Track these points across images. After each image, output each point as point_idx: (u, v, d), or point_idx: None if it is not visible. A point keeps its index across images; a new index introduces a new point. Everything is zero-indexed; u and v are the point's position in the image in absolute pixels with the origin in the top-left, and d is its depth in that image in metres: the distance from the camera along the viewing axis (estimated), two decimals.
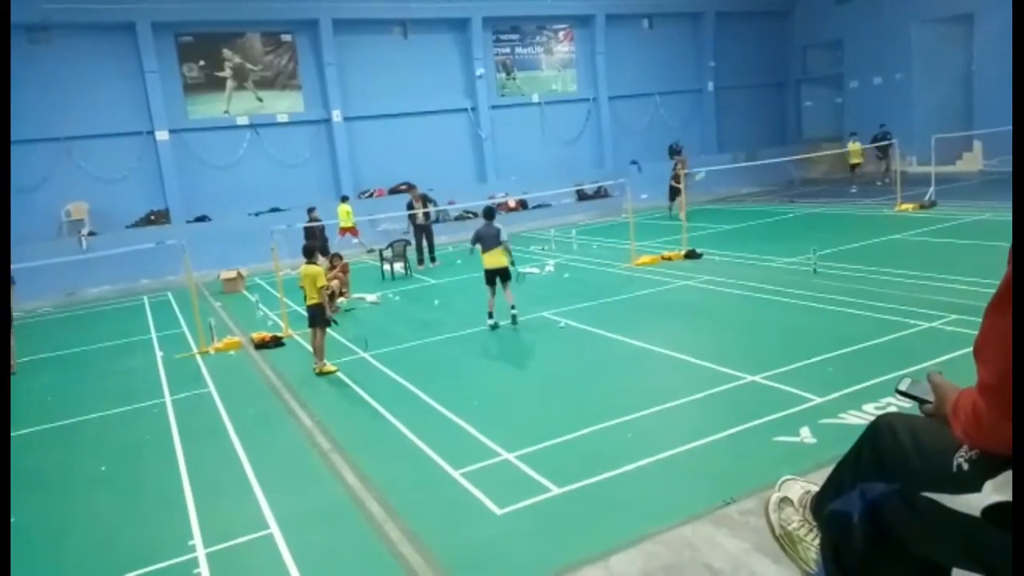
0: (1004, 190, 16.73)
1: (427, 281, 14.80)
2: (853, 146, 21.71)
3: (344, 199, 18.51)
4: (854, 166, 22.16)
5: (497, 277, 9.98)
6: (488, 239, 9.92)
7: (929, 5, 23.58)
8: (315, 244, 10.24)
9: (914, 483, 1.84)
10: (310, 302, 8.89)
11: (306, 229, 15.13)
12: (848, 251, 12.86)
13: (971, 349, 1.55)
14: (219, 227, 19.12)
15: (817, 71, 28.67)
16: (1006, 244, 1.43)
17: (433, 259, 16.40)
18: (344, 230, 17.68)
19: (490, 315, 10.02)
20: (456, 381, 8.20)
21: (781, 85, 29.52)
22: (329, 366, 8.87)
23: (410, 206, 16.73)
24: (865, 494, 2.01)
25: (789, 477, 2.61)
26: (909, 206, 16.70)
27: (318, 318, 8.90)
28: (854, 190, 21.32)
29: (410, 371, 8.55)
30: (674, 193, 20.05)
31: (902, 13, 24.19)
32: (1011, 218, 1.46)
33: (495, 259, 9.93)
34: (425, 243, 16.43)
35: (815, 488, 2.40)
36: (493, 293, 10.05)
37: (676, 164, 20.31)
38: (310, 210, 16.27)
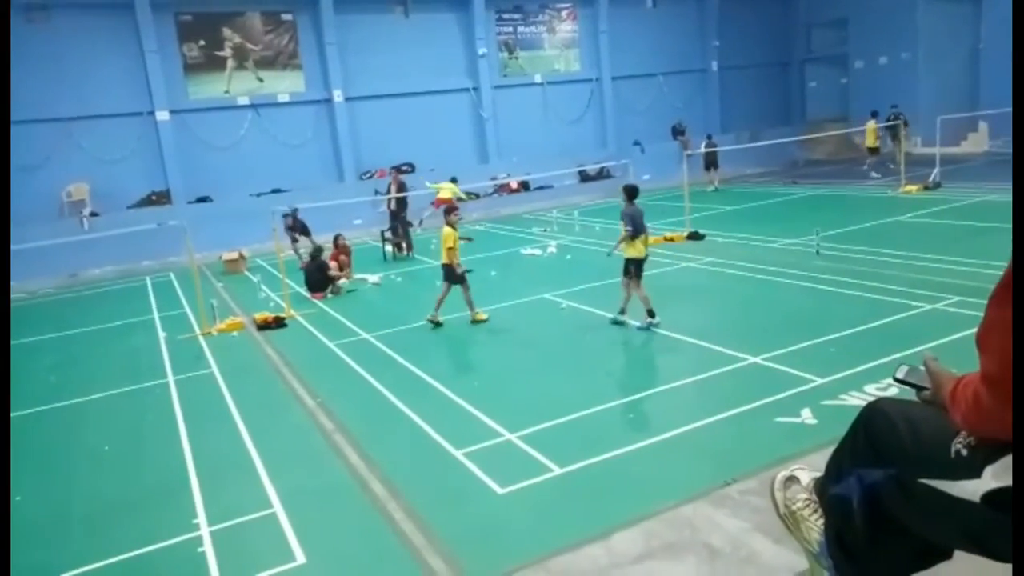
0: (1009, 171, 16.61)
1: (429, 262, 14.78)
2: (870, 126, 19.96)
3: (453, 180, 18.47)
4: (872, 150, 20.05)
5: (640, 267, 8.53)
6: (641, 223, 8.54)
7: None
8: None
9: (911, 468, 1.85)
10: (442, 261, 9.55)
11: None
12: (851, 232, 12.81)
13: (974, 331, 1.55)
14: (221, 208, 19.07)
15: (822, 51, 28.39)
16: (1010, 226, 1.42)
17: (399, 247, 15.76)
18: (441, 201, 18.05)
19: (652, 312, 8.43)
20: (458, 362, 8.22)
21: (785, 65, 29.25)
22: (481, 314, 9.57)
23: (388, 189, 16.54)
24: (862, 479, 2.03)
25: (800, 465, 2.62)
26: (913, 187, 16.61)
27: (448, 275, 9.52)
28: (875, 174, 19.54)
29: (412, 352, 8.57)
30: (708, 165, 20.64)
31: None
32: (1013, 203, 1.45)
33: (644, 247, 8.59)
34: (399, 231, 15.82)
35: (819, 475, 2.41)
36: (628, 286, 8.59)
37: (706, 142, 20.71)
38: (286, 215, 15.25)
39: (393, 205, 16.00)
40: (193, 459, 6.20)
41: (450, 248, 9.37)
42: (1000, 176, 16.64)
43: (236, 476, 5.80)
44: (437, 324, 9.55)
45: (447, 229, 9.51)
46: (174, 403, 7.72)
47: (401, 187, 16.31)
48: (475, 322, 9.53)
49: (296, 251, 15.18)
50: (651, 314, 8.47)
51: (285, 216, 15.16)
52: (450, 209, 9.75)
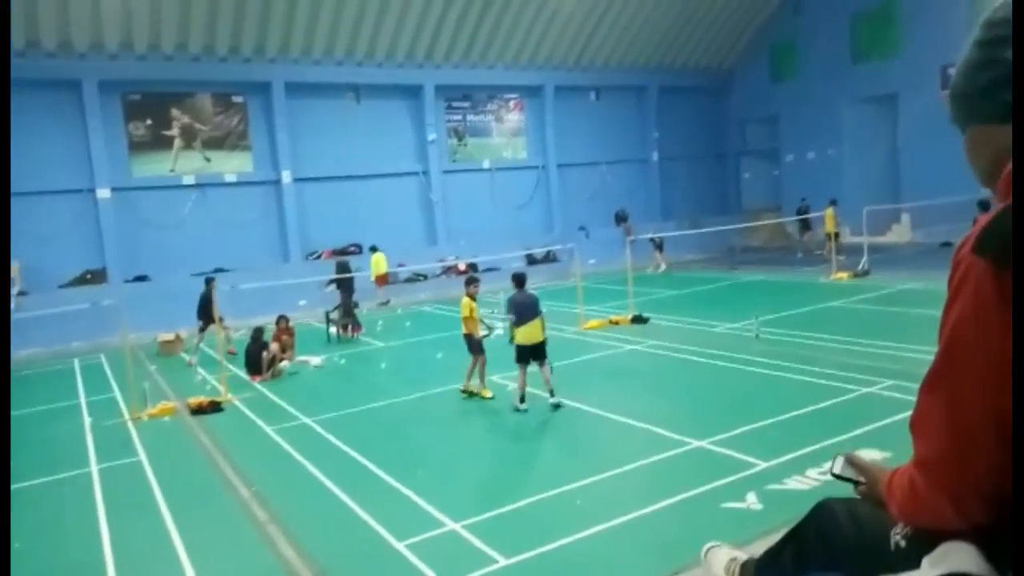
0: (932, 260, 17.58)
1: (374, 344, 14.58)
2: (830, 212, 20.23)
3: (374, 249, 19.60)
4: (832, 235, 19.32)
5: (531, 354, 8.74)
6: (527, 309, 8.73)
7: (857, 85, 25.14)
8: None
9: (857, 568, 1.85)
10: (463, 332, 9.54)
11: (202, 297, 13.87)
12: (788, 317, 13.22)
13: (908, 415, 1.58)
14: (159, 287, 18.57)
15: (755, 144, 30.05)
16: (937, 312, 1.47)
17: (345, 328, 15.47)
18: (380, 279, 18.90)
19: (522, 399, 8.73)
20: (401, 448, 7.99)
21: (721, 156, 30.78)
22: (486, 391, 9.41)
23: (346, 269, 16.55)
24: None
25: (713, 544, 2.58)
26: (844, 274, 17.36)
27: (470, 346, 9.50)
28: (821, 253, 20.56)
29: (354, 437, 8.31)
30: (658, 247, 21.67)
31: (832, 93, 25.71)
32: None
33: (533, 333, 8.67)
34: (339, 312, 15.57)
35: (741, 556, 2.37)
36: (525, 372, 8.79)
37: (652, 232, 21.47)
38: (208, 280, 14.22)
39: (332, 287, 15.92)
40: (114, 557, 5.77)
41: (466, 318, 9.40)
42: (924, 265, 17.54)
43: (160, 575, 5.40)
44: (471, 394, 9.54)
45: (465, 299, 9.50)
46: (96, 494, 7.24)
47: (341, 269, 16.28)
48: (476, 395, 9.47)
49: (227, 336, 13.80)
50: (522, 400, 8.72)
51: (208, 280, 14.02)
52: (470, 281, 9.77)
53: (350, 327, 15.41)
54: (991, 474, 1.38)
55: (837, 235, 19.85)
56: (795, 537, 2.12)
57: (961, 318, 1.35)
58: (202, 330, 13.94)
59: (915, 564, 1.63)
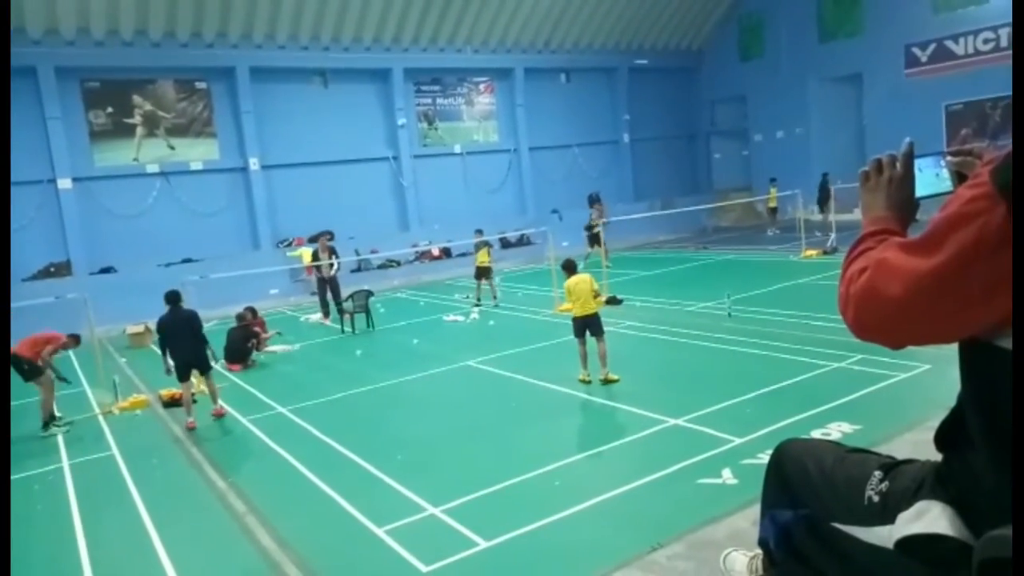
0: None
1: (347, 331, 14.47)
2: (773, 191, 23.66)
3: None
4: (773, 210, 24.04)
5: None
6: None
7: (823, 66, 25.38)
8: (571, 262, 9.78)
9: (823, 511, 1.88)
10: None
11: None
12: (759, 295, 13.39)
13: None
14: (126, 279, 18.20)
15: (724, 124, 30.22)
16: None
17: (341, 311, 15.40)
18: (310, 267, 18.45)
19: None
20: (379, 434, 7.98)
21: (692, 137, 30.93)
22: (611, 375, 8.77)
23: (315, 256, 16.25)
24: (775, 519, 2.04)
25: (729, 550, 2.60)
26: (813, 252, 17.62)
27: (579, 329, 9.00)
28: (770, 232, 23.11)
29: (330, 425, 8.27)
30: (592, 240, 20.67)
31: (799, 72, 25.93)
32: None
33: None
34: (330, 296, 15.55)
35: (758, 551, 2.39)
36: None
37: (594, 212, 20.93)
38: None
39: (325, 270, 15.55)
40: (89, 553, 5.70)
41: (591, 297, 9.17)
42: None
43: (138, 571, 5.35)
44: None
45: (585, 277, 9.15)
46: (68, 490, 7.14)
47: (332, 252, 15.97)
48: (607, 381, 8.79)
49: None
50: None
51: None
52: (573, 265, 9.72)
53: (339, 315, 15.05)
54: (913, 336, 1.43)
55: (775, 210, 23.77)
56: (763, 485, 2.17)
57: (969, 213, 1.28)
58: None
59: (889, 520, 1.66)
